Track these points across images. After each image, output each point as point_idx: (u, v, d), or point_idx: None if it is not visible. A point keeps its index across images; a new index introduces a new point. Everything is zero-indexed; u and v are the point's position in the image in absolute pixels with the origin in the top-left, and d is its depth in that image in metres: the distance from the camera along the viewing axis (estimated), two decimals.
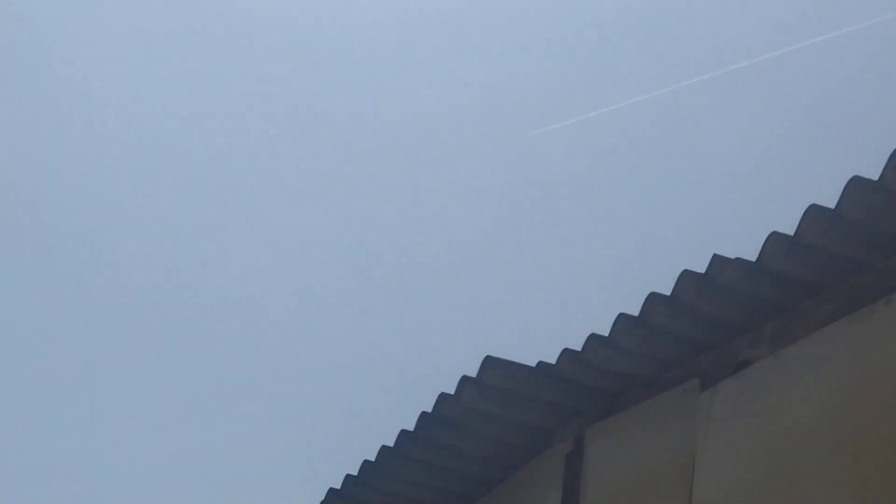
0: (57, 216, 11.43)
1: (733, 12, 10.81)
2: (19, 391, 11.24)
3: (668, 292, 4.23)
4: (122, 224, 11.37)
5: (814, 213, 3.89)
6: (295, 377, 11.15)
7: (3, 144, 11.05)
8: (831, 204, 3.86)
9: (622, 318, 4.36)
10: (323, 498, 5.51)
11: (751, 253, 4.12)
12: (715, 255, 4.15)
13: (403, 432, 5.05)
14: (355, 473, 5.31)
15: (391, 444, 5.08)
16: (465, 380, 4.71)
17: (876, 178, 3.77)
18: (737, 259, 4.13)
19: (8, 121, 11.05)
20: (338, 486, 5.45)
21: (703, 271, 4.15)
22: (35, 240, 11.31)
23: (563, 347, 4.53)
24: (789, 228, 3.98)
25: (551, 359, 4.60)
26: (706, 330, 4.32)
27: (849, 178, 3.83)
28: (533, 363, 4.68)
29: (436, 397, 4.90)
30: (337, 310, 11.19)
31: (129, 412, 11.09)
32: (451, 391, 4.79)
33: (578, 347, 4.49)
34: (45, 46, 11.19)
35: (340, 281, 11.22)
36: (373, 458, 5.19)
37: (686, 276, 4.18)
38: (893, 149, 3.73)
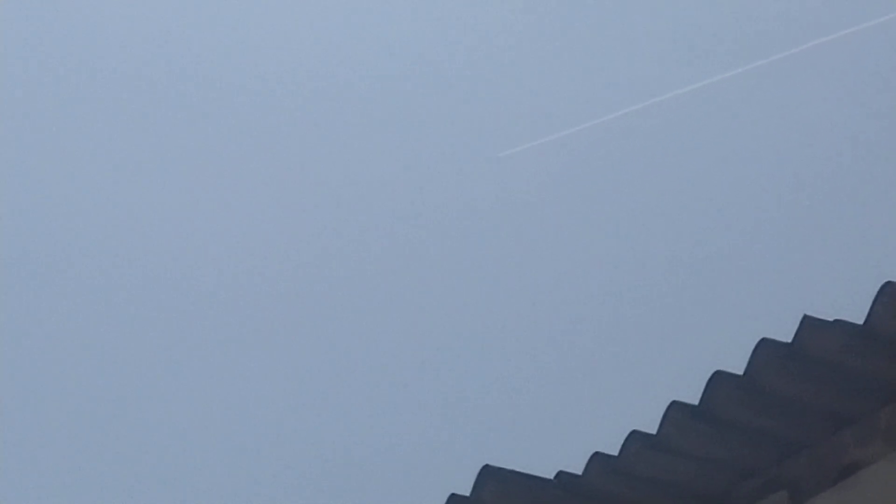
0: None
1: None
2: None
3: (739, 371, 3.50)
4: None
5: None
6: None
7: None
8: None
9: (675, 408, 3.57)
10: None
11: (855, 314, 3.44)
12: (805, 316, 3.46)
13: None
14: None
15: None
16: (454, 499, 3.85)
17: None
18: (836, 322, 3.42)
19: None
20: None
21: (788, 340, 3.45)
22: None
23: (594, 451, 3.69)
24: None
25: (577, 468, 3.80)
26: (796, 422, 3.56)
27: None
28: (551, 473, 3.82)
29: None
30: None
31: None
32: None
33: (615, 450, 3.66)
34: None
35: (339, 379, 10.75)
36: None
37: (765, 347, 3.47)
38: None
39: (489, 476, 3.80)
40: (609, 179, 10.61)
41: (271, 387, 11.23)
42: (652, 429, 3.59)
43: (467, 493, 3.86)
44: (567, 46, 10.79)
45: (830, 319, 3.38)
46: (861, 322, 3.34)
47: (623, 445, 3.64)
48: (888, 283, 3.32)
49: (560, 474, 3.80)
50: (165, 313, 11.23)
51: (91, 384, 11.19)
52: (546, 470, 3.85)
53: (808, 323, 3.38)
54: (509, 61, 11.08)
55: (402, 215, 10.95)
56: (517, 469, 3.88)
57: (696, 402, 3.53)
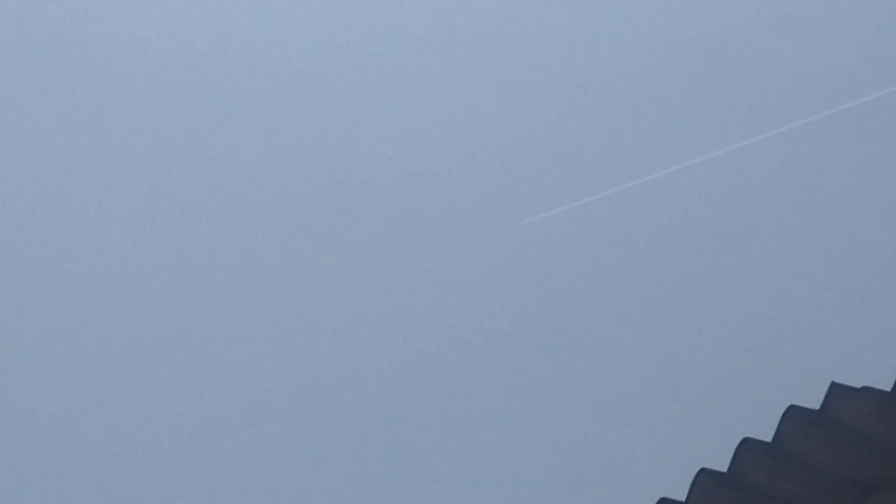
0: None
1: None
2: None
3: (768, 438, 3.28)
4: None
5: None
6: None
7: None
8: None
9: (703, 475, 3.31)
10: None
11: (883, 381, 3.25)
12: (833, 383, 3.27)
13: None
14: None
15: None
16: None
17: None
18: (864, 388, 3.23)
19: None
20: None
21: (816, 406, 3.28)
22: None
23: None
24: None
25: None
26: (822, 488, 3.33)
27: None
28: None
29: None
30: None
31: None
32: None
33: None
34: None
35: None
36: None
37: (793, 414, 3.26)
38: None
39: None
40: (632, 245, 10.32)
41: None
42: (681, 496, 3.39)
43: None
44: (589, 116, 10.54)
45: (858, 386, 3.17)
46: (889, 389, 3.14)
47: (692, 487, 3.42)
48: None
49: None
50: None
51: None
52: None
53: (835, 390, 3.18)
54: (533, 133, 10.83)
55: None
56: None
57: (724, 468, 3.32)
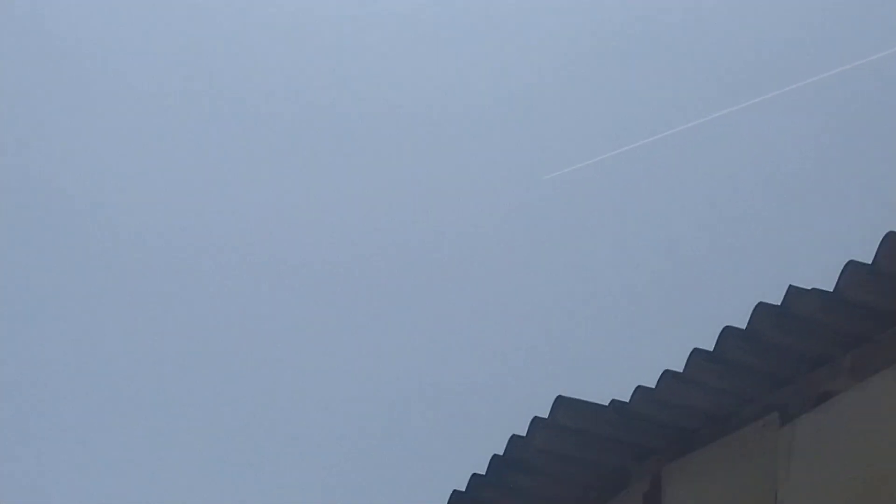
0: None
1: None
2: None
3: (742, 326, 4.29)
4: None
5: (892, 240, 3.96)
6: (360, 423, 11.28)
7: None
8: None
9: (696, 354, 4.41)
10: None
11: (828, 283, 4.17)
12: (791, 286, 4.21)
13: (475, 476, 5.14)
14: None
15: (463, 488, 5.18)
16: (536, 421, 4.76)
17: None
18: (813, 290, 4.19)
19: None
20: None
21: (778, 303, 4.21)
22: None
23: (637, 385, 4.58)
24: (866, 257, 4.05)
25: (624, 397, 4.67)
26: (784, 363, 4.38)
27: None
28: (605, 402, 4.72)
29: (507, 440, 4.98)
30: (403, 351, 11.35)
31: None
32: (523, 433, 4.86)
33: (652, 384, 4.54)
34: None
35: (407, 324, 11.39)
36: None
37: (762, 309, 4.25)
38: None
39: (561, 403, 4.68)
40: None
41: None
42: (680, 368, 4.45)
43: (546, 416, 4.71)
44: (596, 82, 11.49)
45: (809, 288, 4.17)
46: (831, 290, 4.10)
47: (658, 381, 4.46)
48: (850, 262, 4.08)
49: (612, 402, 4.65)
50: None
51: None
52: (602, 399, 4.76)
53: (792, 290, 4.17)
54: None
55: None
56: (579, 398, 4.80)
57: (711, 348, 4.34)
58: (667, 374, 4.47)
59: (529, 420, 4.80)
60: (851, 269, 4.08)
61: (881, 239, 3.95)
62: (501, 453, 5.00)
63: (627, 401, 4.61)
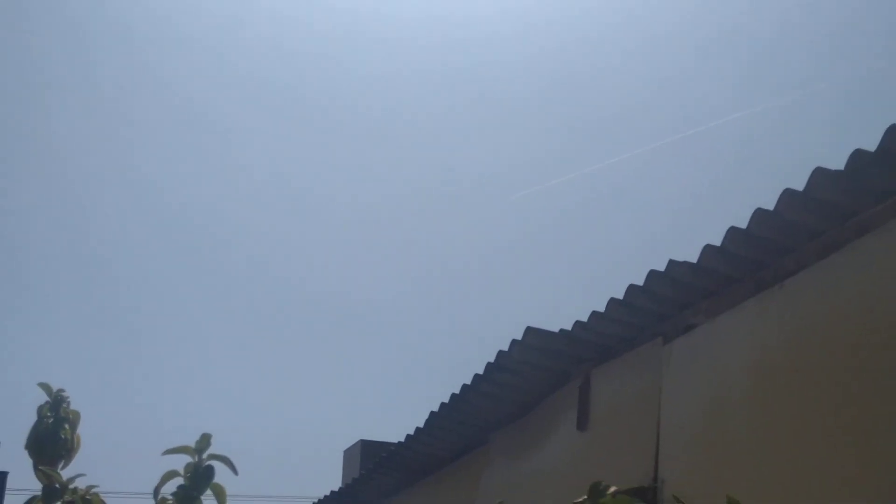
0: None
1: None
2: None
3: (640, 284, 5.55)
4: None
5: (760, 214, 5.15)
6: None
7: None
8: None
9: (612, 301, 5.76)
10: (427, 418, 7.22)
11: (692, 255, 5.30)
12: (671, 260, 5.38)
13: (476, 375, 6.57)
14: (447, 402, 6.97)
15: (468, 382, 6.66)
16: (514, 342, 6.22)
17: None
18: (684, 263, 5.35)
19: None
20: (436, 409, 7.16)
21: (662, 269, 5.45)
22: None
23: (576, 320, 5.99)
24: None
25: (568, 326, 6.00)
26: (664, 305, 5.63)
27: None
28: (557, 329, 6.09)
29: (496, 353, 6.34)
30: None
31: None
32: (506, 349, 6.26)
33: (585, 319, 5.91)
34: None
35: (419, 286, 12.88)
36: (457, 391, 6.77)
37: (652, 275, 5.49)
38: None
39: (529, 332, 5.99)
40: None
41: None
42: (602, 309, 5.65)
43: (520, 338, 5.95)
44: None
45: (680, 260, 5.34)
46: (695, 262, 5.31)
47: (588, 317, 5.69)
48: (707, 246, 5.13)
49: (561, 330, 5.89)
50: None
51: None
52: (554, 328, 5.97)
53: (654, 273, 5.32)
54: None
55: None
56: (540, 328, 5.99)
57: (621, 297, 5.59)
58: (594, 314, 5.83)
59: (510, 341, 6.24)
60: (707, 252, 5.17)
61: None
62: (493, 361, 6.43)
63: (570, 329, 6.01)
